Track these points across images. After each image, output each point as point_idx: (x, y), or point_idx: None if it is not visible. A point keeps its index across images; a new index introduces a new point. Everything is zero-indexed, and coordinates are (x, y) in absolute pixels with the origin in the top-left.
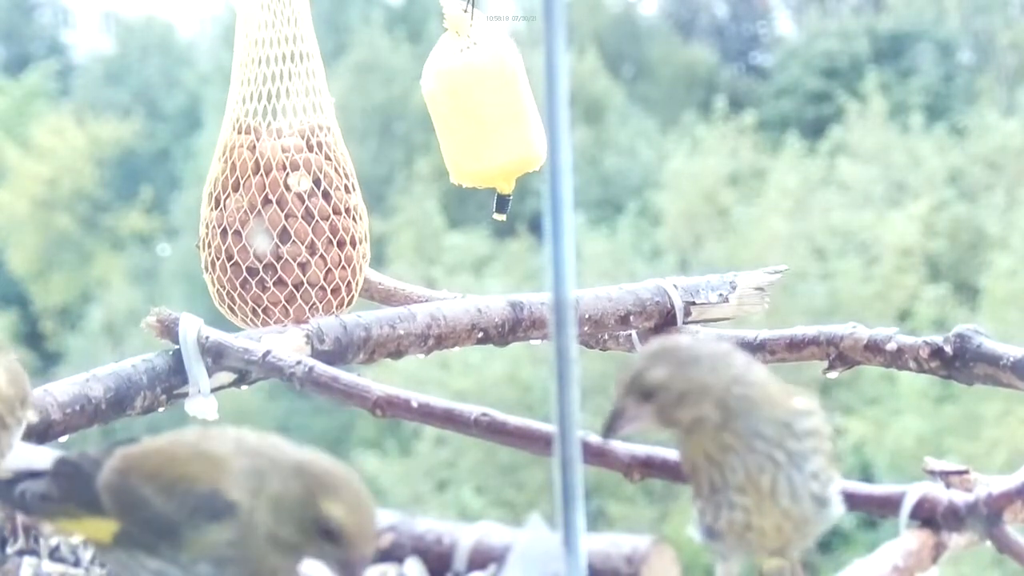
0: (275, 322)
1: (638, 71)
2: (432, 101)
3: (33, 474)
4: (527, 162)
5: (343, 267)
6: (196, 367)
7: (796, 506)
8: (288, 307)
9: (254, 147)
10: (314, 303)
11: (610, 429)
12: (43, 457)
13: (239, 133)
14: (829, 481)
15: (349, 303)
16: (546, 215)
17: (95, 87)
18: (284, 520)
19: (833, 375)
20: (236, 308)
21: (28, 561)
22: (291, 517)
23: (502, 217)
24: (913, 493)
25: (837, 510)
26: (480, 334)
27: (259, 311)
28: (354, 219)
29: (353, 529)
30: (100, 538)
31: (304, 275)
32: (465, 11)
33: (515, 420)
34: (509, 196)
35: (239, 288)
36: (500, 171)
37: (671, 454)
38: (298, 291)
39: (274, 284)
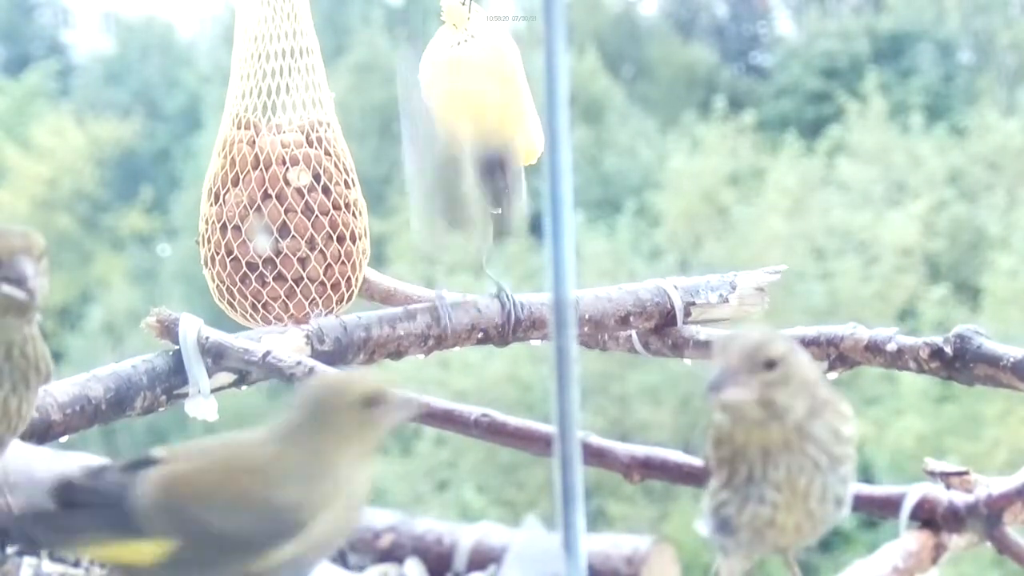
0: (275, 317)
1: (638, 71)
2: (428, 93)
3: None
4: (524, 155)
5: (343, 262)
6: (196, 367)
7: (821, 507)
8: (288, 302)
9: (254, 142)
10: (314, 298)
11: (718, 387)
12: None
13: (239, 128)
14: (848, 483)
15: (349, 299)
16: (546, 215)
17: (95, 87)
18: (338, 425)
19: (833, 376)
20: (236, 304)
21: (28, 561)
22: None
23: (498, 211)
24: (913, 494)
25: (846, 510)
26: (480, 334)
27: (259, 306)
28: (354, 214)
29: (383, 388)
30: (136, 560)
31: (304, 270)
32: (463, 4)
33: (515, 420)
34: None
35: (239, 283)
36: None
37: (671, 455)
38: (298, 286)
39: (274, 279)
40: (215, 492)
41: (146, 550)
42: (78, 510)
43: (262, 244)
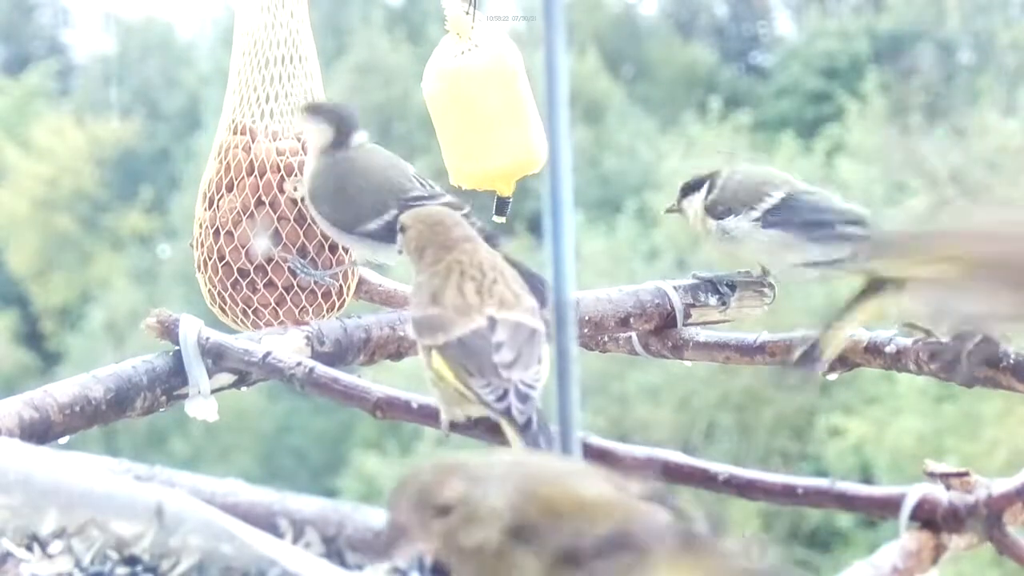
0: (265, 324)
1: (638, 71)
2: (433, 103)
3: None
4: (527, 164)
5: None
6: (196, 368)
7: None
8: (278, 309)
9: (249, 148)
10: (304, 306)
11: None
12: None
13: (235, 134)
14: None
15: (340, 307)
16: (546, 215)
17: (95, 87)
18: None
19: (833, 377)
20: (227, 308)
21: (28, 561)
22: None
23: (502, 219)
24: (913, 494)
25: None
26: None
27: (249, 312)
28: None
29: None
30: None
31: (294, 278)
32: (467, 13)
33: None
34: (509, 198)
35: (230, 289)
36: (500, 173)
37: (671, 455)
38: (288, 294)
39: (264, 286)
40: None
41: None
42: None
43: (260, 247)
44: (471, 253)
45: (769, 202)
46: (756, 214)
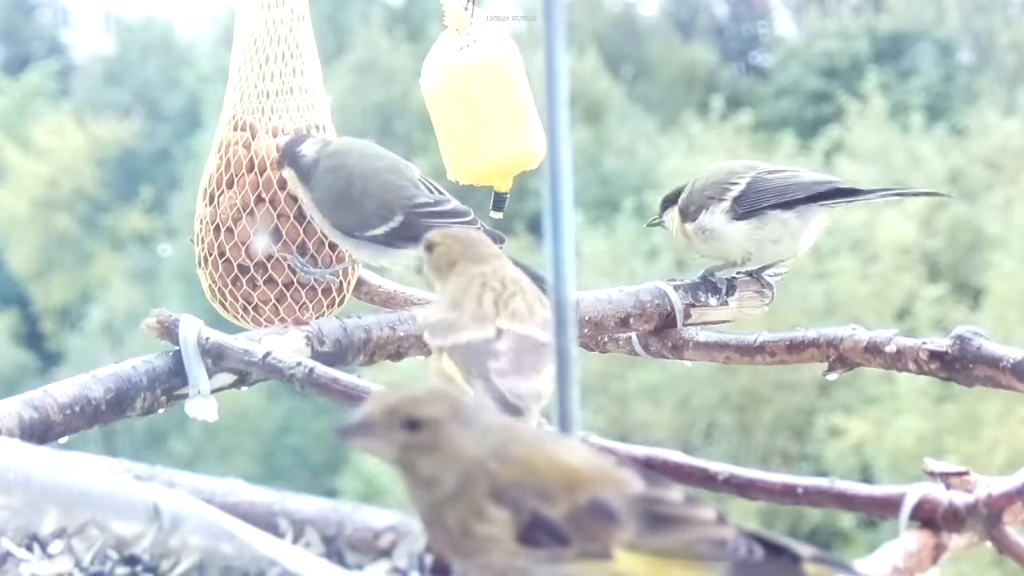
0: (265, 320)
1: (638, 71)
2: (431, 98)
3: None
4: (525, 160)
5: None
6: (196, 368)
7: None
8: (278, 306)
9: (249, 145)
10: (304, 303)
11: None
12: None
13: (235, 130)
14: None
15: (340, 303)
16: (546, 215)
17: (95, 87)
18: None
19: (833, 377)
20: (227, 304)
21: (28, 561)
22: None
23: (499, 215)
24: (913, 494)
25: None
26: None
27: (250, 308)
28: None
29: None
30: None
31: (294, 275)
32: (466, 9)
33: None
34: (506, 194)
35: (230, 285)
36: (498, 169)
37: (671, 454)
38: (288, 290)
39: (265, 283)
40: None
41: None
42: None
43: (260, 244)
44: (497, 269)
45: (736, 189)
46: (725, 204)
